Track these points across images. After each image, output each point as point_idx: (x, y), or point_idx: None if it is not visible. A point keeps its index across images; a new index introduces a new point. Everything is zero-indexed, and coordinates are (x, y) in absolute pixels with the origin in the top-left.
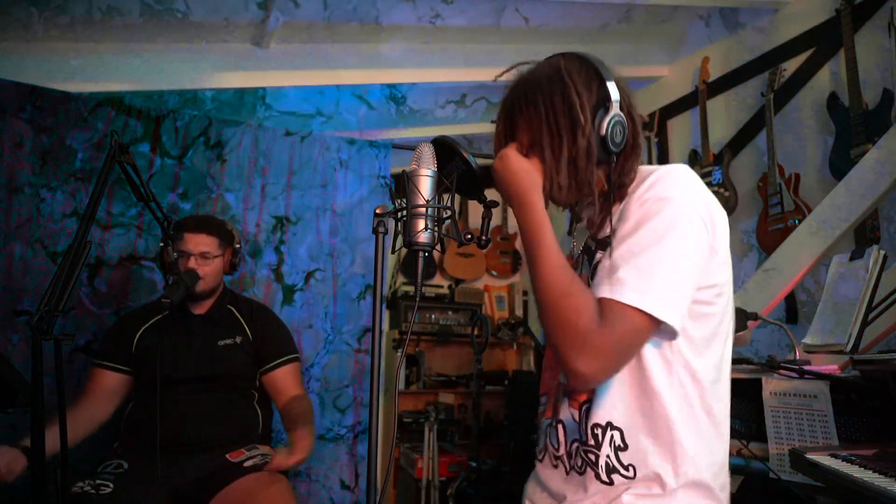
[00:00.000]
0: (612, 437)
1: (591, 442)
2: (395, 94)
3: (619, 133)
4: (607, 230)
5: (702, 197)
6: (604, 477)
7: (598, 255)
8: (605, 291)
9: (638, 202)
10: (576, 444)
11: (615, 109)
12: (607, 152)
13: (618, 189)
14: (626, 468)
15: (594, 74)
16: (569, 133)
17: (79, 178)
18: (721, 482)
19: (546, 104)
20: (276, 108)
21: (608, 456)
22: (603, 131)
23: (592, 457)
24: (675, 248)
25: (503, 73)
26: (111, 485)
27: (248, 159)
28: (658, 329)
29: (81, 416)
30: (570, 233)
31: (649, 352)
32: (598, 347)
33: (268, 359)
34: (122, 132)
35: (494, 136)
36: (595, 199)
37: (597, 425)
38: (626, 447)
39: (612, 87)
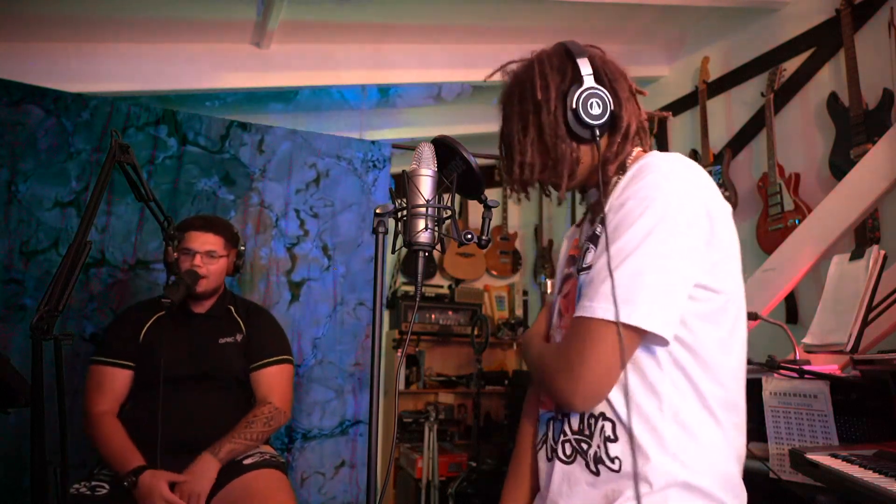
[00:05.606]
0: (602, 427)
1: (586, 432)
2: (393, 93)
3: (595, 105)
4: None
5: (692, 187)
6: (592, 467)
7: (590, 250)
8: (582, 309)
9: (619, 202)
10: (570, 434)
11: (588, 83)
12: (585, 126)
13: (604, 165)
14: (613, 460)
15: (565, 55)
16: (534, 114)
17: (64, 162)
18: (728, 487)
19: (519, 93)
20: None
21: (598, 446)
22: (573, 105)
23: (585, 446)
24: (660, 249)
25: (492, 74)
26: (107, 486)
27: (250, 157)
28: (647, 337)
29: (115, 419)
30: (577, 223)
31: (645, 352)
32: (583, 374)
33: (256, 357)
34: (124, 122)
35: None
36: (594, 178)
37: (591, 416)
38: (615, 439)
39: (582, 63)
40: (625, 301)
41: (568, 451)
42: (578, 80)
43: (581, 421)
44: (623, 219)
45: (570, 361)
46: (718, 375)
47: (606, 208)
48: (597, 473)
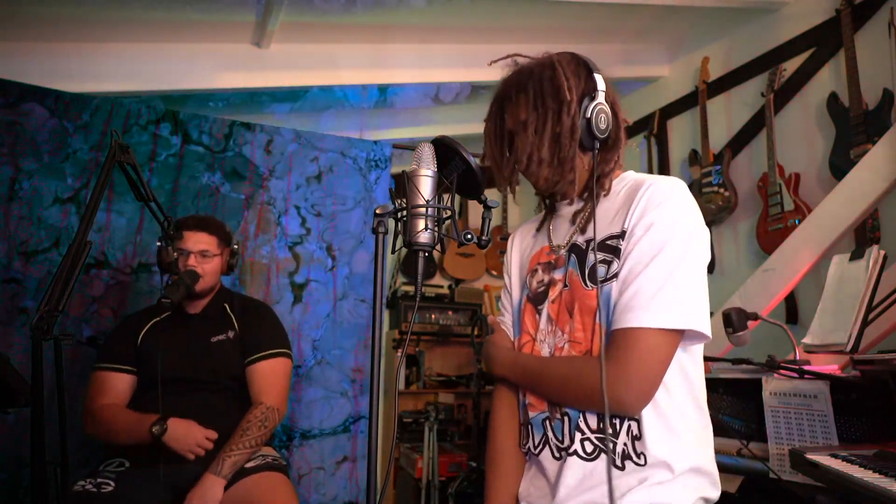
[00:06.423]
0: (629, 426)
1: (609, 430)
2: (392, 93)
3: (603, 120)
4: (599, 227)
5: (699, 212)
6: (618, 462)
7: (594, 255)
8: (637, 320)
9: (644, 221)
10: (589, 433)
11: (600, 98)
12: (592, 137)
13: (599, 179)
14: (639, 456)
15: (583, 66)
16: (554, 112)
17: (65, 161)
18: (712, 463)
19: (535, 88)
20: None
21: (625, 444)
22: (588, 114)
23: (610, 444)
24: (694, 264)
25: (499, 59)
26: (112, 483)
27: (254, 156)
28: (688, 338)
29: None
30: (538, 228)
31: None
32: (643, 380)
33: (249, 352)
34: (126, 120)
35: (485, 127)
36: (575, 187)
37: (615, 415)
38: (640, 436)
39: (598, 79)
40: (682, 308)
41: (589, 449)
42: (591, 92)
43: (600, 420)
44: (655, 239)
45: (628, 369)
46: (699, 370)
47: (626, 225)
48: (622, 468)
